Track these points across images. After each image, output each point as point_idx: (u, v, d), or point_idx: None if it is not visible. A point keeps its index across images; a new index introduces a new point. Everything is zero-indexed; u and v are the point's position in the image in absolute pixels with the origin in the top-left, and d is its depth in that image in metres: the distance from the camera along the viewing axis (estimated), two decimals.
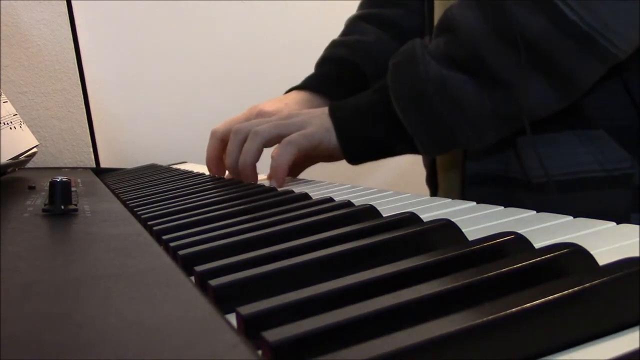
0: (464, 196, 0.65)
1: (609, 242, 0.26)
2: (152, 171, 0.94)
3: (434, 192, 0.74)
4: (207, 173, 0.79)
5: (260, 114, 0.72)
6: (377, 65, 0.80)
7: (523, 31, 0.51)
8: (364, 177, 0.68)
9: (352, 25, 0.85)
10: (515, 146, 0.60)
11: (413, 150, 0.60)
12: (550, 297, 0.19)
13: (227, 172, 0.74)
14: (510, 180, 0.61)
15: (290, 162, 0.60)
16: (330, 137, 0.61)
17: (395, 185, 0.61)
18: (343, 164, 0.65)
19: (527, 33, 0.51)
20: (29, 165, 0.98)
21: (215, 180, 0.69)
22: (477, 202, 0.38)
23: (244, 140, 0.63)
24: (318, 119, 0.62)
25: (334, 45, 0.82)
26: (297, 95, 0.76)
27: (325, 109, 0.63)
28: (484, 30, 0.53)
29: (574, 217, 0.32)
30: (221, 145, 0.72)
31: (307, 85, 0.77)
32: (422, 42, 0.57)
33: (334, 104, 0.63)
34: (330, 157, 0.64)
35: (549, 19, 0.50)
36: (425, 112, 0.56)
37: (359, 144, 0.62)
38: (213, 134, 0.74)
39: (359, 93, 0.79)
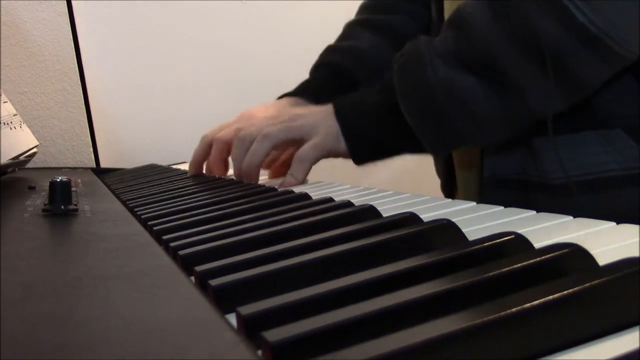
0: (482, 201, 0.64)
1: (609, 242, 0.26)
2: (152, 171, 0.94)
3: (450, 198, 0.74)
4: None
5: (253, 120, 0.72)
6: (370, 72, 0.80)
7: (535, 33, 0.51)
8: (364, 177, 0.68)
9: (348, 30, 0.85)
10: (532, 148, 0.59)
11: (420, 151, 0.60)
12: (550, 297, 0.19)
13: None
14: (528, 183, 0.61)
15: (306, 175, 0.61)
16: (339, 143, 0.61)
17: (395, 185, 0.61)
18: (343, 163, 0.65)
19: (538, 35, 0.51)
20: (29, 165, 0.98)
21: (216, 180, 0.69)
22: None
23: (250, 145, 0.63)
24: (324, 123, 0.62)
25: (328, 51, 0.83)
26: (288, 101, 0.76)
27: (330, 109, 0.63)
28: (496, 31, 0.53)
29: (574, 217, 0.32)
30: (208, 150, 0.73)
31: (299, 92, 0.78)
32: (427, 41, 0.57)
33: (339, 105, 0.63)
34: (337, 156, 0.65)
35: (559, 21, 0.50)
36: (433, 115, 0.55)
37: (367, 147, 0.62)
38: (203, 138, 0.75)
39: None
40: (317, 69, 0.82)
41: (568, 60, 0.51)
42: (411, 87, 0.57)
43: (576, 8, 0.49)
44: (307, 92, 0.77)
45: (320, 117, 0.63)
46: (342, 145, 0.61)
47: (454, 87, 0.54)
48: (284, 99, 0.78)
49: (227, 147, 0.72)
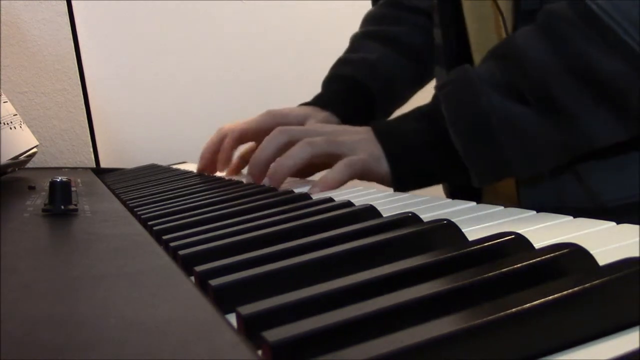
0: None
1: (609, 242, 0.26)
2: (152, 171, 0.94)
3: None
4: (207, 173, 0.79)
5: (271, 116, 0.71)
6: (383, 83, 0.80)
7: (593, 66, 0.50)
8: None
9: (357, 43, 0.85)
10: (576, 173, 0.59)
11: (464, 180, 0.58)
12: (550, 297, 0.19)
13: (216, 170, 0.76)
14: (566, 210, 0.61)
15: (345, 181, 0.58)
16: (380, 166, 0.59)
17: None
18: None
19: (599, 70, 0.50)
20: (29, 165, 0.98)
21: (216, 180, 0.69)
22: None
23: (288, 144, 0.60)
24: (366, 144, 0.59)
25: (339, 63, 0.83)
26: (310, 108, 0.76)
27: (369, 132, 0.61)
28: (552, 63, 0.52)
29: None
30: (221, 143, 0.73)
31: (315, 102, 0.78)
32: (476, 71, 0.56)
33: (380, 130, 0.60)
34: (372, 180, 0.62)
35: (623, 57, 0.49)
36: (485, 143, 0.54)
37: (410, 174, 0.60)
38: (219, 130, 0.74)
39: (365, 110, 0.79)
40: (330, 81, 0.82)
41: (631, 96, 0.51)
42: (463, 113, 0.55)
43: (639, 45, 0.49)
44: (323, 103, 0.77)
45: (361, 137, 0.60)
46: (383, 170, 0.59)
47: (508, 114, 0.53)
48: (306, 107, 0.77)
49: (241, 138, 0.71)
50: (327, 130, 0.61)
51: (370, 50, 0.82)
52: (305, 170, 0.65)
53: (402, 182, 0.60)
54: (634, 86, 0.50)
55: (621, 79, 0.50)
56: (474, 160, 0.55)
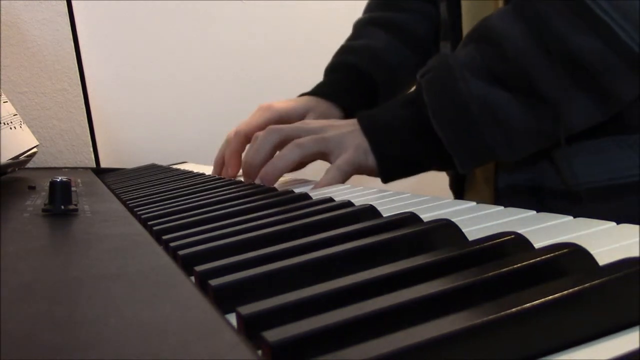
0: None
1: (609, 242, 0.26)
2: (152, 171, 0.94)
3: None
4: (207, 173, 0.79)
5: (273, 113, 0.71)
6: (387, 71, 0.79)
7: (571, 49, 0.51)
8: (366, 177, 0.68)
9: (361, 29, 0.84)
10: (552, 157, 0.59)
11: (449, 167, 0.59)
12: (550, 297, 0.19)
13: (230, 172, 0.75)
14: (545, 190, 0.61)
15: (339, 182, 0.60)
16: (368, 158, 0.60)
17: (397, 185, 0.61)
18: None
19: (576, 52, 0.50)
20: (29, 165, 0.98)
21: (215, 180, 0.69)
22: None
23: (279, 143, 0.62)
24: (352, 138, 0.60)
25: (342, 51, 0.82)
26: (309, 100, 0.76)
27: (355, 124, 0.62)
28: (530, 47, 0.52)
29: (574, 217, 0.32)
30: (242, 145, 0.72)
31: (316, 92, 0.77)
32: (455, 56, 0.56)
33: (365, 121, 0.61)
34: (363, 173, 0.64)
35: (602, 39, 0.50)
36: (466, 129, 0.55)
37: (396, 163, 0.61)
38: (228, 135, 0.73)
39: (368, 99, 0.78)
40: (332, 69, 0.81)
41: (607, 77, 0.51)
42: (444, 102, 0.56)
43: (619, 27, 0.49)
44: (325, 92, 0.77)
45: (347, 129, 0.62)
46: (370, 161, 0.60)
47: (488, 101, 0.54)
48: (305, 97, 0.77)
49: (247, 140, 0.71)
50: (315, 128, 0.63)
51: (374, 38, 0.81)
52: (297, 168, 0.67)
53: (389, 173, 0.61)
54: (609, 64, 0.50)
55: (596, 56, 0.50)
56: (457, 147, 0.56)
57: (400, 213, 0.35)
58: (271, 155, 0.62)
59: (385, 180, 0.62)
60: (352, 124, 0.62)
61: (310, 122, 0.66)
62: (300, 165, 0.65)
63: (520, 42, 0.53)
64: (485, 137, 0.55)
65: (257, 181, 0.61)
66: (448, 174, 0.77)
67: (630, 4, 0.49)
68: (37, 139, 0.91)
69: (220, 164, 0.75)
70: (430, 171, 0.63)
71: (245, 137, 0.72)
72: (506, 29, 0.53)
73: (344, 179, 0.59)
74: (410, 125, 0.59)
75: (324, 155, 0.61)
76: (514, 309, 0.18)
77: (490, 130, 0.54)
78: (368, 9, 0.88)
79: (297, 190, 0.51)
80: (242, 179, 0.67)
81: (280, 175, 0.61)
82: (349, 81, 0.78)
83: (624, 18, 0.49)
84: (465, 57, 0.56)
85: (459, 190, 0.74)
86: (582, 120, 0.54)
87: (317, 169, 0.66)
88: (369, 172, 0.62)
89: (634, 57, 0.49)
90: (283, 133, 0.62)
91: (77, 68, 1.16)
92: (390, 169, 0.61)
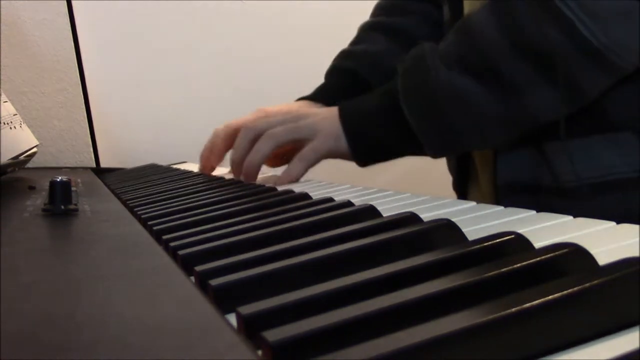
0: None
1: (609, 242, 0.26)
2: (152, 171, 0.94)
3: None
4: (207, 173, 0.79)
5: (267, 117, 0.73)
6: (385, 77, 0.80)
7: (536, 41, 0.52)
8: (366, 177, 0.68)
9: (362, 34, 0.86)
10: (543, 152, 0.60)
11: (421, 153, 0.61)
12: (550, 297, 0.19)
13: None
14: (542, 188, 0.61)
15: (301, 174, 0.64)
16: (340, 143, 0.63)
17: (396, 185, 0.61)
18: (343, 163, 0.66)
19: (541, 44, 0.52)
20: (29, 165, 0.98)
21: (215, 180, 0.69)
22: None
23: (255, 139, 0.64)
24: (328, 124, 0.63)
25: (342, 55, 0.83)
26: (304, 104, 0.77)
27: (334, 111, 0.64)
28: (499, 37, 0.54)
29: (575, 217, 0.32)
30: (225, 144, 0.74)
31: (314, 96, 0.79)
32: (432, 45, 0.58)
33: (343, 108, 0.64)
34: (339, 157, 0.66)
35: (564, 32, 0.51)
36: (434, 116, 0.57)
37: (370, 148, 0.64)
38: (214, 131, 0.75)
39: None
40: (331, 73, 0.83)
41: (569, 69, 0.52)
42: (413, 89, 0.58)
43: (580, 22, 0.50)
44: (322, 96, 0.78)
45: (324, 116, 0.64)
46: (344, 146, 0.63)
47: (455, 90, 0.55)
48: (301, 102, 0.78)
49: (234, 135, 0.73)
50: (288, 118, 0.66)
51: (374, 43, 0.82)
52: (278, 159, 0.71)
53: (362, 156, 0.64)
54: (570, 56, 0.51)
55: (558, 49, 0.51)
56: (425, 132, 0.58)
57: (400, 213, 0.35)
58: (250, 150, 0.65)
59: (360, 164, 0.65)
60: (329, 111, 0.65)
61: (285, 113, 0.69)
62: (283, 156, 0.68)
63: (489, 32, 0.54)
64: (453, 123, 0.56)
65: (242, 179, 0.64)
66: (451, 174, 0.77)
67: (593, 3, 0.51)
68: (37, 139, 0.91)
69: (206, 158, 0.77)
70: (426, 173, 0.64)
71: (234, 131, 0.72)
72: (480, 21, 0.56)
73: (307, 167, 0.63)
74: (384, 110, 0.61)
75: (297, 143, 0.64)
76: (514, 309, 0.18)
77: (459, 117, 0.56)
78: (374, 13, 0.89)
79: (297, 190, 0.51)
80: (235, 176, 0.68)
81: (259, 167, 0.64)
82: (346, 86, 0.80)
83: (586, 13, 0.50)
84: (444, 48, 0.58)
85: (463, 191, 0.74)
86: (548, 112, 0.55)
87: (316, 169, 0.66)
88: (342, 156, 0.64)
89: (593, 51, 0.50)
90: (258, 127, 0.65)
91: (77, 68, 1.16)
92: (363, 152, 0.64)
